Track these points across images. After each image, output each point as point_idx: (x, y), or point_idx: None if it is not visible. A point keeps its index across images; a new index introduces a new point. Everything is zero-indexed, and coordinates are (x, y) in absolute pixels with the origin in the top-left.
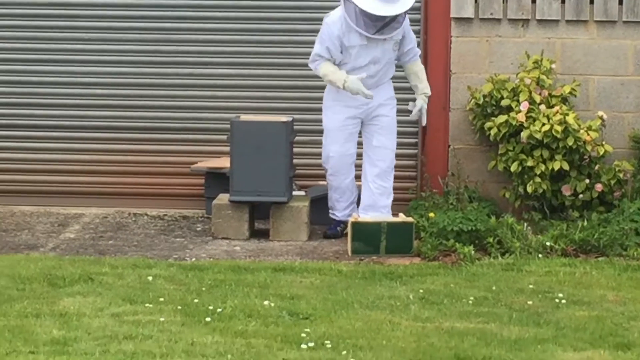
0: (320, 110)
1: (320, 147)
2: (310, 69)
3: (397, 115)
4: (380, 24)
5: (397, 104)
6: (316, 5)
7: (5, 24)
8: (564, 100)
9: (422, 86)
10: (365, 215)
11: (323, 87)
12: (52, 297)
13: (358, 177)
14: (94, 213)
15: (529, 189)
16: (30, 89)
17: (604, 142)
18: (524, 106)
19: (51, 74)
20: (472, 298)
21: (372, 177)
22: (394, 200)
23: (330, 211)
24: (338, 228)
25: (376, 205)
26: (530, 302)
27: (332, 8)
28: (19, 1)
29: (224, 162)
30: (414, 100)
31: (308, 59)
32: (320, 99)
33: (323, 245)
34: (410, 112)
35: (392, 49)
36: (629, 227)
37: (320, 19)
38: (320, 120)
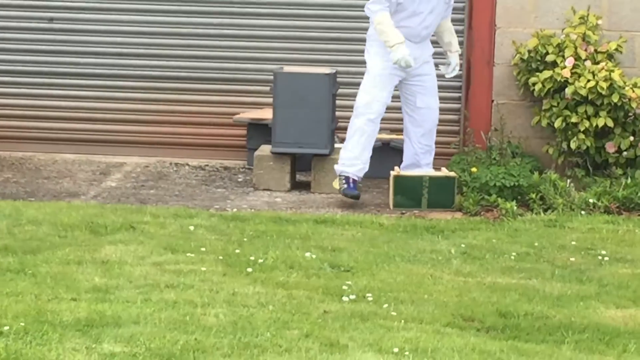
0: (362, 62)
1: None
2: (354, 20)
3: (439, 70)
4: None
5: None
6: None
7: None
8: (610, 56)
9: (456, 43)
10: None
11: (365, 40)
12: (93, 245)
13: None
14: (135, 162)
15: (573, 146)
16: (72, 36)
17: None
18: (569, 62)
19: (93, 22)
20: (514, 254)
21: (417, 138)
22: (437, 154)
23: (344, 162)
24: (359, 183)
25: (419, 164)
26: (572, 259)
27: None
28: None
29: (267, 114)
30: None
31: (352, 10)
32: (363, 51)
33: (364, 198)
34: (442, 70)
35: (445, 0)
36: None
37: None
38: (361, 73)
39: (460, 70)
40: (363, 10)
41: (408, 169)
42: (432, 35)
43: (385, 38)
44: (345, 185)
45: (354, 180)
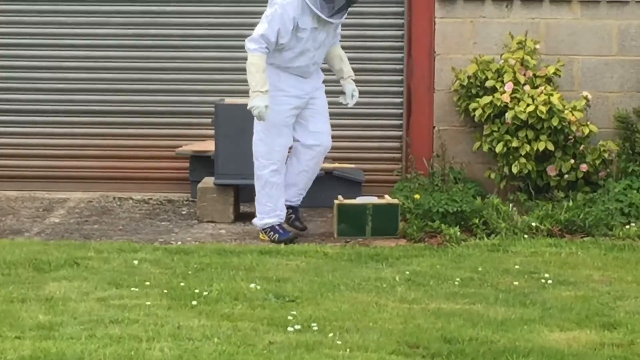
0: None
1: None
2: None
3: (380, 98)
4: (339, 6)
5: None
6: None
7: None
8: (549, 80)
9: (348, 69)
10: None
11: None
12: (37, 282)
13: None
14: (78, 197)
15: (514, 170)
16: (14, 73)
17: (588, 122)
18: (509, 87)
19: (34, 59)
20: (458, 279)
21: (305, 160)
22: (380, 182)
23: (263, 216)
24: (284, 226)
25: (298, 185)
26: (516, 283)
27: None
28: None
29: (209, 146)
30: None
31: None
32: None
33: (309, 228)
34: (341, 100)
35: (334, 32)
36: (614, 207)
37: None
38: None
39: (400, 97)
40: None
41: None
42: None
43: (250, 80)
44: (276, 235)
45: (279, 225)
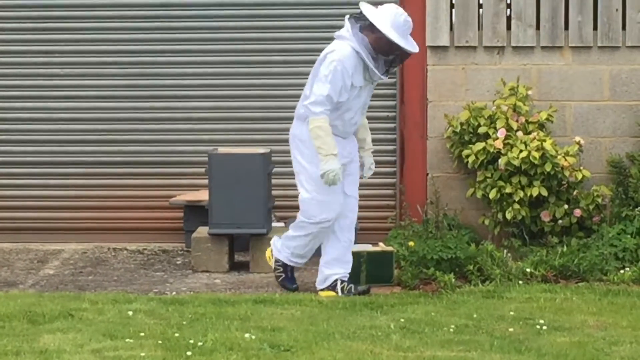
0: None
1: None
2: (288, 100)
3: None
4: (395, 63)
5: None
6: (291, 37)
7: None
8: (541, 126)
9: (369, 140)
10: (330, 271)
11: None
12: (32, 335)
13: None
14: (73, 249)
15: (508, 216)
16: (7, 125)
17: (581, 168)
18: (501, 133)
19: (28, 110)
20: (453, 326)
21: (341, 230)
22: (374, 229)
23: (289, 256)
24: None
25: (343, 260)
26: (511, 329)
27: (306, 39)
28: None
29: (203, 195)
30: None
31: (283, 89)
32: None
33: (303, 277)
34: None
35: (370, 94)
36: (609, 252)
37: (295, 50)
38: None
39: (394, 145)
40: (293, 89)
41: (330, 265)
42: None
43: (319, 144)
44: (283, 275)
45: (291, 270)
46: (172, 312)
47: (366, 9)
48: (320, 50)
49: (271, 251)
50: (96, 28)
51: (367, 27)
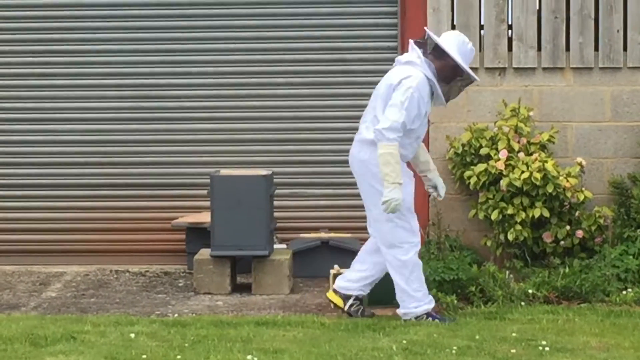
0: (298, 162)
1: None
2: (290, 121)
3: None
4: (460, 90)
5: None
6: (293, 59)
7: None
8: (543, 147)
9: (431, 160)
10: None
11: (301, 140)
12: (34, 357)
13: None
14: (75, 271)
15: (510, 237)
16: (9, 147)
17: (583, 188)
18: (503, 154)
19: (30, 133)
20: (455, 348)
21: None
22: None
23: (418, 304)
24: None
25: (367, 282)
26: (513, 351)
27: (309, 61)
28: None
29: (205, 217)
30: None
31: (285, 111)
32: (299, 152)
33: (305, 298)
34: (434, 194)
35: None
36: (611, 272)
37: (298, 72)
38: (297, 173)
39: None
40: (295, 110)
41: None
42: None
43: (388, 171)
44: (437, 320)
45: (435, 311)
46: (174, 334)
47: (433, 35)
48: (322, 73)
49: (336, 293)
50: (98, 51)
51: (432, 53)
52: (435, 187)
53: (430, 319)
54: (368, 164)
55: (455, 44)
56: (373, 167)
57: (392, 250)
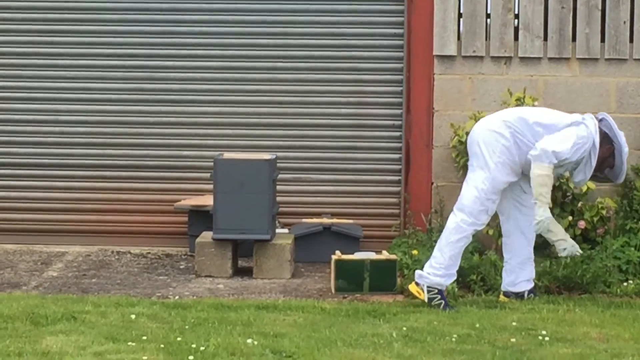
0: (302, 147)
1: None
2: (294, 106)
3: (378, 153)
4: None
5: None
6: (297, 44)
7: None
8: None
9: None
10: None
11: (305, 125)
12: (34, 336)
13: None
14: (77, 251)
15: None
16: (13, 127)
17: None
18: None
19: (33, 112)
20: (455, 335)
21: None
22: (378, 237)
23: (442, 274)
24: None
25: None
26: (513, 340)
27: (312, 46)
28: (1, 40)
29: (207, 200)
30: None
31: (289, 96)
32: (303, 136)
33: (306, 283)
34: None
35: None
36: (612, 264)
37: (302, 57)
38: (301, 158)
39: (399, 153)
40: (300, 95)
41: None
42: None
43: (544, 192)
44: (442, 302)
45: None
46: (175, 316)
47: (613, 126)
48: (327, 58)
49: (416, 284)
50: (103, 32)
51: (604, 141)
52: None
53: (439, 296)
54: (495, 134)
55: (624, 144)
56: (499, 137)
57: (460, 213)
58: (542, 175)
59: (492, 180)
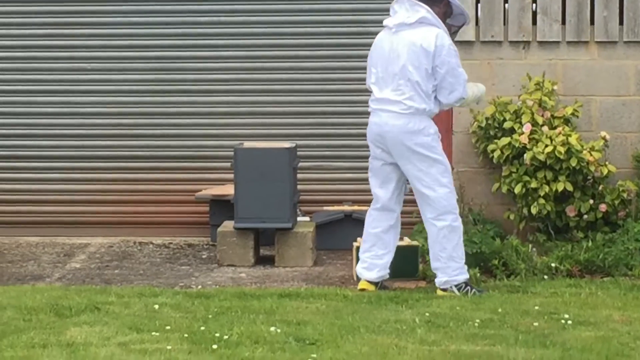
0: (321, 135)
1: (322, 173)
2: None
3: None
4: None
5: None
6: (317, 32)
7: (7, 55)
8: (567, 121)
9: None
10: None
11: (325, 113)
12: (58, 327)
13: None
14: (99, 242)
15: (533, 211)
16: (33, 119)
17: (607, 163)
18: (527, 128)
19: (53, 105)
20: (478, 320)
21: None
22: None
23: (458, 272)
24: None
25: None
26: (536, 324)
27: (332, 34)
28: (20, 33)
29: (228, 189)
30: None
31: (308, 84)
32: (323, 124)
33: (328, 271)
34: None
35: None
36: (634, 246)
37: (321, 45)
38: (321, 146)
39: None
40: (319, 83)
41: None
42: None
43: (478, 93)
44: (474, 291)
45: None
46: (198, 305)
47: None
48: (346, 46)
49: (443, 290)
50: (120, 23)
51: (429, 1)
52: None
53: (469, 288)
54: (419, 135)
55: None
56: (424, 137)
57: (446, 216)
58: (469, 98)
59: (446, 167)
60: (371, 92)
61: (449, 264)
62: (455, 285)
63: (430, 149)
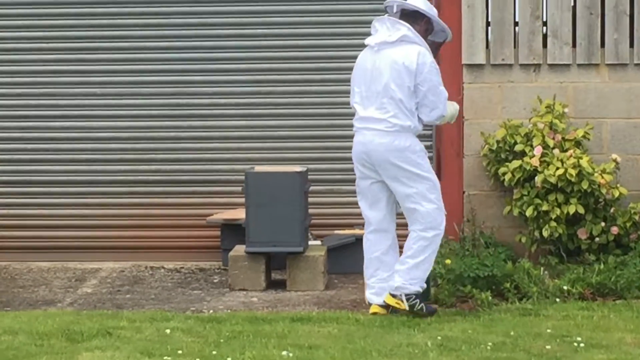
0: (332, 159)
1: (333, 196)
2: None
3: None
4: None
5: None
6: (327, 56)
7: (18, 80)
8: (578, 144)
9: None
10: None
11: (336, 137)
12: (70, 353)
13: None
14: (110, 267)
15: (545, 233)
16: (45, 145)
17: (618, 185)
18: (538, 151)
19: (65, 130)
20: (490, 344)
21: None
22: None
23: (418, 282)
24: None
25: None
26: (548, 347)
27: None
28: (31, 58)
29: (240, 214)
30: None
31: (319, 108)
32: (334, 148)
33: (340, 295)
34: None
35: None
36: None
37: (332, 69)
38: (332, 170)
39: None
40: (330, 107)
41: None
42: None
43: (454, 112)
44: (422, 306)
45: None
46: (210, 330)
47: (410, 3)
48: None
49: (393, 295)
50: (132, 48)
51: (410, 19)
52: None
53: (417, 301)
54: (405, 152)
55: (422, 3)
56: (410, 154)
57: (430, 231)
58: (449, 115)
59: (434, 184)
60: (355, 111)
61: (411, 271)
62: (406, 294)
63: (417, 165)
